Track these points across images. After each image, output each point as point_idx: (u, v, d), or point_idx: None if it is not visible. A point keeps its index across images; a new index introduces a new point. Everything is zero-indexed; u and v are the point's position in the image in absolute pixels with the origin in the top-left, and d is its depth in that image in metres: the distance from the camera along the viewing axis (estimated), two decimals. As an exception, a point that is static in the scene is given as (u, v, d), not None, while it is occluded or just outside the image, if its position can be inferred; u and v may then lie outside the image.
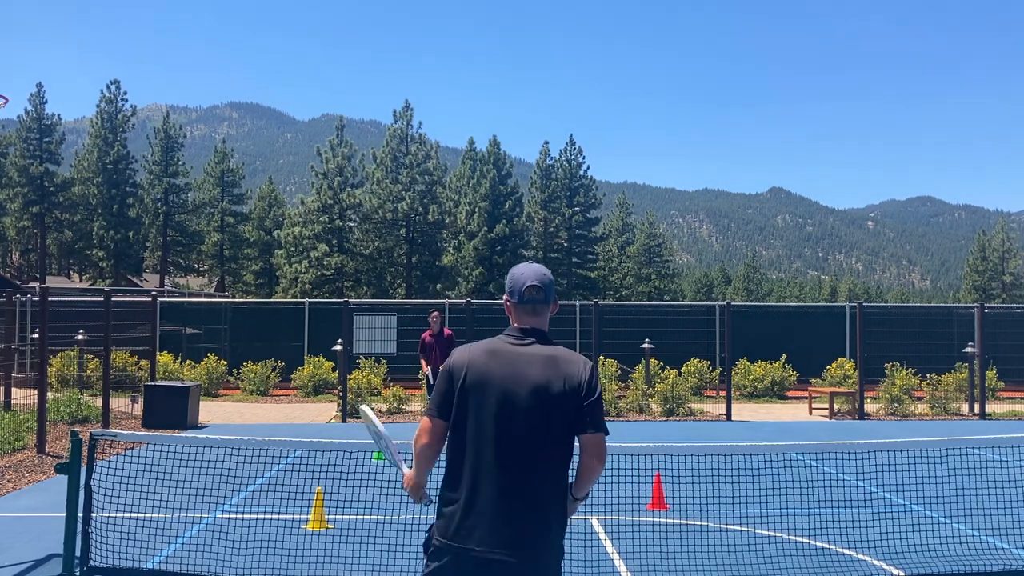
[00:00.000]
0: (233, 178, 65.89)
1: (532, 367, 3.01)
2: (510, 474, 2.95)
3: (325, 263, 50.89)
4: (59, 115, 59.22)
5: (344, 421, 15.89)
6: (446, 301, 23.97)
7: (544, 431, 2.98)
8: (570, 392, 3.00)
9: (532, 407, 2.97)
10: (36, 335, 14.27)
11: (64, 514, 5.74)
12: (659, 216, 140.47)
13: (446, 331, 14.19)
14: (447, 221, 54.58)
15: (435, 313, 14.32)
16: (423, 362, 14.14)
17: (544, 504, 2.98)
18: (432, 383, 14.16)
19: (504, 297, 3.22)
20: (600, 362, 17.48)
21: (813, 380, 20.39)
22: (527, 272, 3.18)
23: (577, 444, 3.09)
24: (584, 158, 65.09)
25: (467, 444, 3.01)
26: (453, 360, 3.09)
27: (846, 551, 6.79)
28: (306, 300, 27.63)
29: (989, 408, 17.80)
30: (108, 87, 59.24)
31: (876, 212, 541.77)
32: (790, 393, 20.67)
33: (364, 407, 3.66)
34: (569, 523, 3.24)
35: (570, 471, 3.14)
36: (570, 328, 21.92)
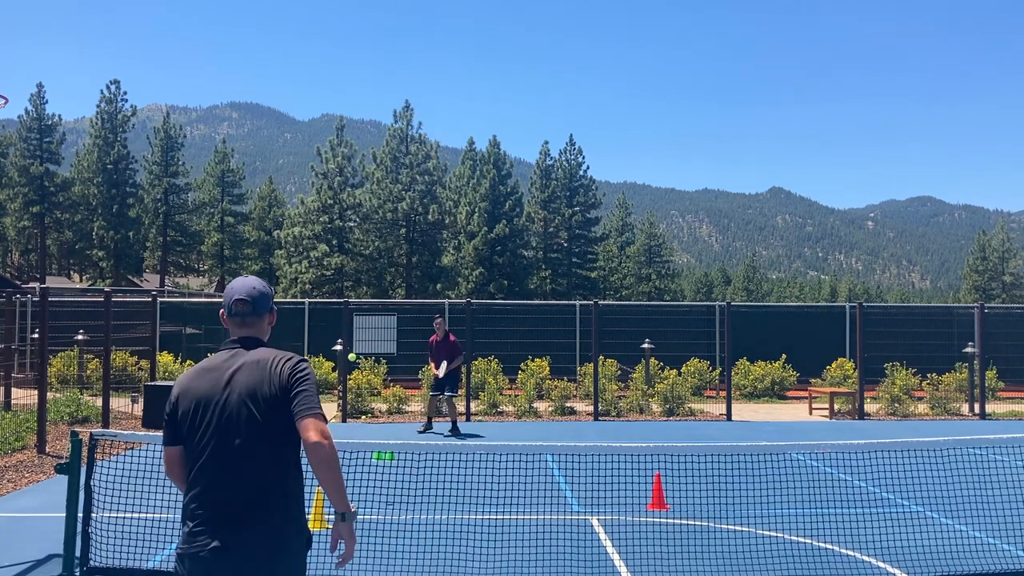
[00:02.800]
0: (233, 178, 65.89)
1: (241, 375, 3.13)
2: (232, 481, 3.03)
3: (325, 263, 50.88)
4: (59, 115, 59.19)
5: (344, 421, 15.89)
6: (446, 301, 23.96)
7: (261, 433, 3.06)
8: (279, 389, 3.08)
9: (245, 414, 3.07)
10: (36, 335, 14.27)
11: (64, 514, 5.74)
12: (659, 216, 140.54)
13: (450, 336, 14.18)
14: (447, 221, 54.57)
15: (438, 319, 14.34)
16: (432, 364, 14.18)
17: (265, 501, 3.02)
18: (434, 381, 14.21)
19: (221, 311, 3.38)
20: (600, 362, 17.47)
21: (813, 380, 20.39)
22: (236, 287, 3.34)
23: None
24: (584, 158, 65.10)
25: (194, 460, 3.11)
26: (173, 389, 3.23)
27: (847, 551, 6.78)
28: (306, 300, 27.63)
29: (989, 408, 17.80)
30: (108, 87, 59.22)
31: (876, 212, 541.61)
32: (790, 393, 20.67)
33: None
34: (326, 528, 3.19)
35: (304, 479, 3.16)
36: (570, 328, 21.93)
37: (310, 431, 2.99)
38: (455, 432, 13.88)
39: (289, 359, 3.16)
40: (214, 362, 3.24)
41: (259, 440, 3.06)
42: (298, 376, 3.11)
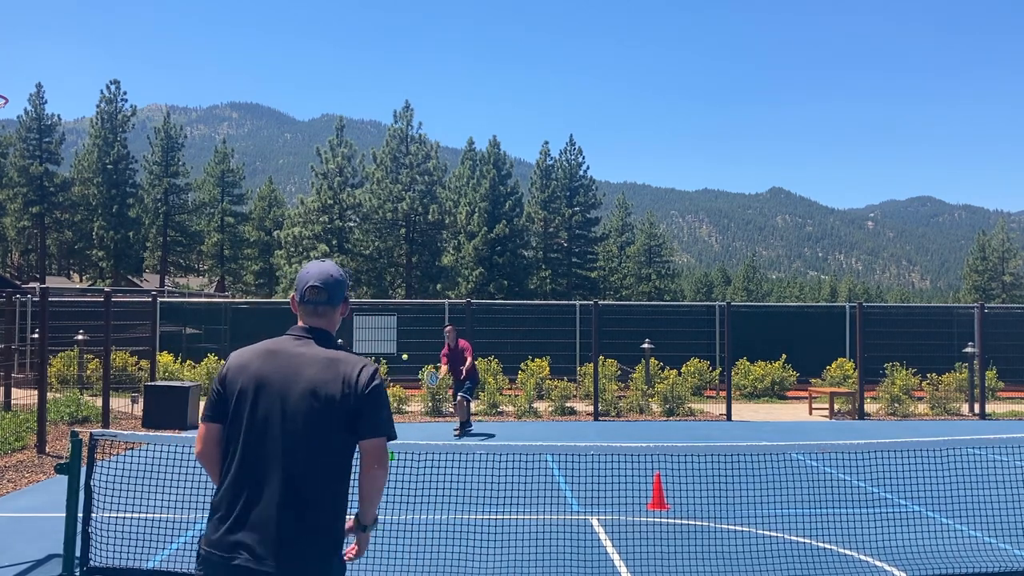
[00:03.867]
0: (233, 178, 65.89)
1: (310, 368, 2.89)
2: (281, 482, 2.79)
3: (325, 263, 50.85)
4: (59, 115, 59.21)
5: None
6: (446, 301, 23.95)
7: (320, 436, 2.84)
8: (348, 394, 2.85)
9: (307, 410, 2.83)
10: (36, 335, 14.27)
11: (64, 514, 5.74)
12: (659, 216, 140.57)
13: (461, 342, 14.18)
14: (447, 221, 54.56)
15: (449, 327, 14.37)
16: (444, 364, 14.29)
17: (316, 515, 2.82)
18: (455, 385, 14.26)
19: (291, 294, 3.13)
20: (600, 362, 17.47)
21: (813, 380, 20.38)
22: (312, 271, 3.08)
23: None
24: (584, 158, 65.10)
25: (239, 449, 2.85)
26: (229, 361, 2.98)
27: (847, 551, 6.78)
28: (306, 300, 27.58)
29: (989, 408, 17.80)
30: (108, 87, 59.22)
31: (876, 212, 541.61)
32: (790, 393, 20.67)
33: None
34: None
35: (351, 489, 2.98)
36: (570, 328, 21.92)
37: (376, 456, 2.88)
38: (462, 431, 13.89)
39: (366, 366, 2.94)
40: (283, 346, 2.97)
41: (319, 444, 2.83)
42: (374, 388, 2.89)
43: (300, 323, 3.06)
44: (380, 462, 2.91)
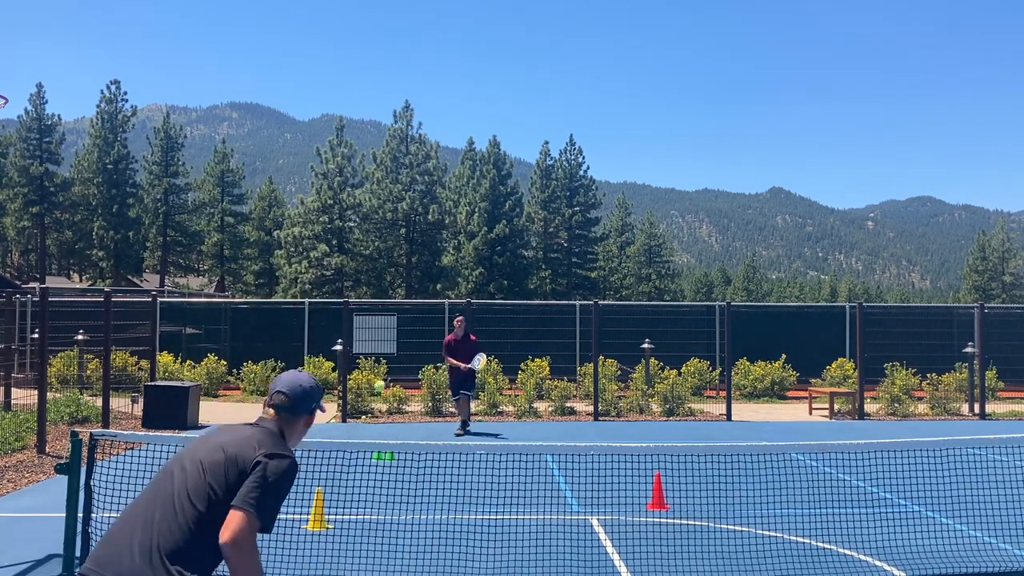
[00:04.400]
0: (233, 178, 65.88)
1: (227, 436, 3.05)
2: (150, 527, 2.85)
3: (325, 263, 50.88)
4: (59, 115, 59.24)
5: (344, 421, 15.89)
6: (446, 301, 23.97)
7: (200, 498, 2.87)
8: (241, 466, 2.92)
9: (202, 469, 2.93)
10: (36, 335, 14.27)
11: (64, 514, 5.74)
12: (659, 216, 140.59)
13: (471, 336, 14.16)
14: (447, 221, 54.57)
15: (460, 318, 14.38)
16: (450, 360, 14.06)
17: (161, 564, 2.78)
18: (454, 383, 14.17)
19: (265, 400, 3.31)
20: (600, 362, 17.46)
21: (813, 380, 20.38)
22: (283, 378, 3.28)
23: None
24: (584, 158, 65.10)
25: (139, 499, 3.00)
26: None
27: (847, 551, 6.78)
28: (306, 300, 27.62)
29: (989, 408, 17.80)
30: (108, 87, 59.26)
31: (876, 212, 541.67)
32: (790, 393, 20.67)
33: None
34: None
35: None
36: (570, 328, 21.92)
37: (228, 527, 2.79)
38: (464, 430, 13.87)
39: (272, 449, 2.99)
40: (227, 426, 3.22)
41: (198, 508, 2.86)
42: (264, 464, 2.92)
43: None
44: (228, 532, 2.78)
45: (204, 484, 2.90)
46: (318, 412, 3.33)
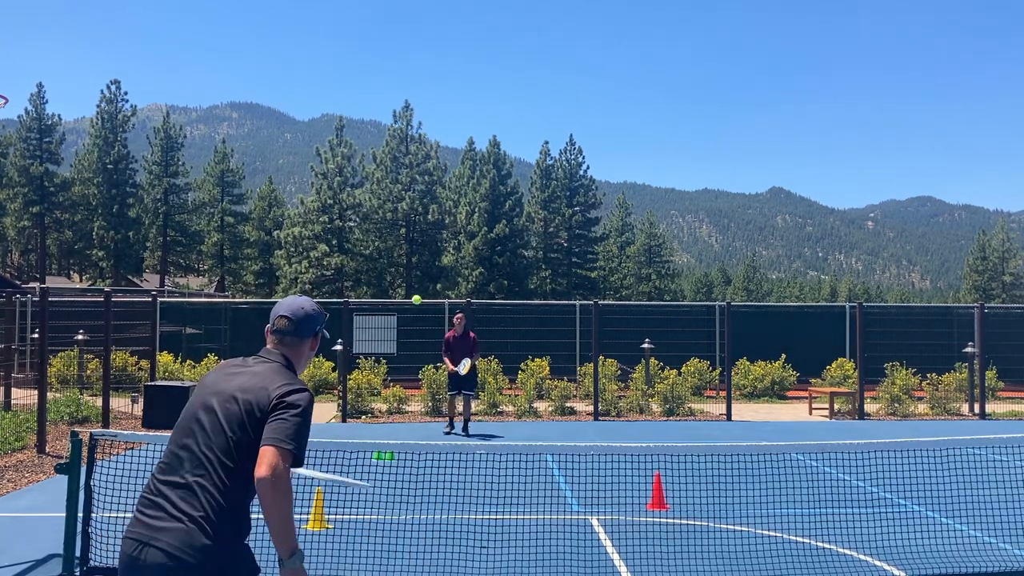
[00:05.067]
0: (233, 178, 65.87)
1: (239, 378, 3.04)
2: (182, 473, 2.89)
3: (325, 263, 50.88)
4: (59, 115, 59.24)
5: (344, 421, 15.89)
6: (446, 301, 23.96)
7: (230, 439, 2.90)
8: (264, 404, 2.93)
9: (223, 413, 2.94)
10: (36, 335, 14.27)
11: (64, 514, 5.74)
12: (659, 216, 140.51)
13: (471, 334, 14.12)
14: (447, 221, 54.57)
15: (460, 315, 14.33)
16: (447, 361, 13.96)
17: (207, 511, 2.83)
18: (451, 380, 14.07)
19: (267, 327, 3.29)
20: (600, 362, 17.46)
21: (813, 380, 20.38)
22: (284, 302, 3.29)
23: None
24: (584, 158, 65.10)
25: (170, 441, 3.03)
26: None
27: (846, 551, 6.78)
28: (306, 300, 27.58)
29: (989, 408, 17.80)
30: (108, 87, 59.27)
31: (876, 212, 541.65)
32: (790, 393, 20.67)
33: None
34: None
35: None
36: (570, 328, 21.92)
37: (262, 463, 2.79)
38: (465, 431, 13.85)
39: (291, 383, 2.99)
40: (235, 360, 3.20)
41: (226, 448, 2.89)
42: (286, 400, 2.93)
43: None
44: (267, 467, 2.78)
45: (226, 439, 2.91)
46: (322, 337, 3.32)
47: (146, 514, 2.90)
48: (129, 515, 2.91)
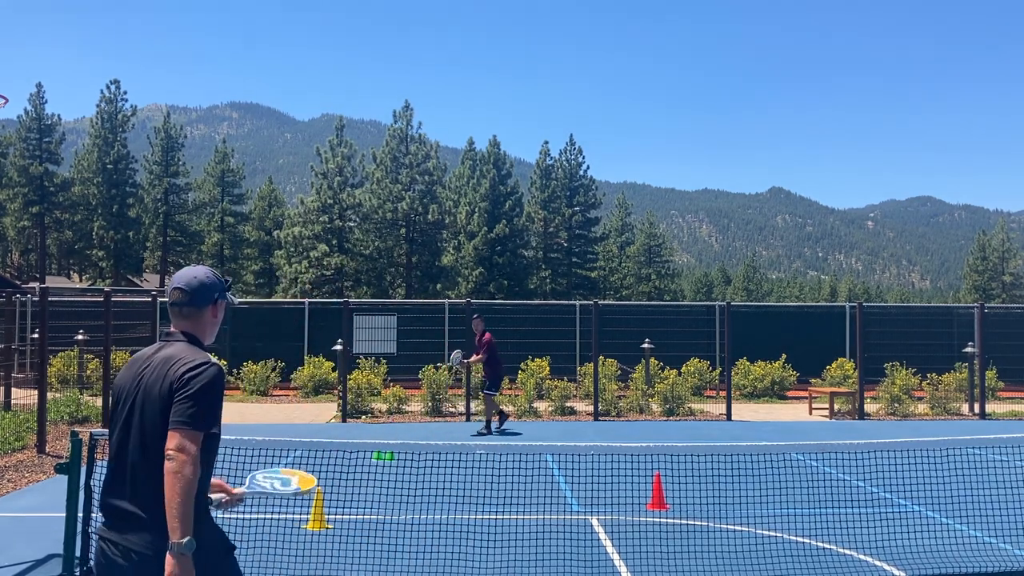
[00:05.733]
0: (233, 178, 65.85)
1: (151, 372, 3.05)
2: (123, 477, 2.98)
3: (325, 263, 50.88)
4: (59, 115, 59.20)
5: (344, 421, 15.89)
6: (446, 301, 23.97)
7: (153, 434, 2.96)
8: (169, 389, 2.95)
9: (142, 409, 2.99)
10: (36, 335, 14.26)
11: (64, 514, 5.74)
12: (659, 216, 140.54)
13: (486, 336, 14.16)
14: (447, 221, 54.56)
15: (476, 317, 14.40)
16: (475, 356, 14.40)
17: (151, 506, 2.89)
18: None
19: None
20: (600, 362, 17.46)
21: (813, 380, 20.38)
22: (178, 274, 3.25)
23: None
24: (584, 158, 65.05)
25: (110, 451, 3.10)
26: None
27: (846, 551, 6.78)
28: (306, 300, 27.63)
29: (989, 408, 17.80)
30: (108, 87, 59.20)
31: (876, 212, 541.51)
32: (790, 393, 20.67)
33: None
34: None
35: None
36: (570, 328, 21.92)
37: (171, 444, 2.84)
38: (488, 430, 13.84)
39: (190, 363, 3.00)
40: (142, 353, 3.18)
41: (152, 442, 2.94)
42: (186, 380, 2.95)
43: (169, 326, 3.23)
44: (174, 449, 2.82)
45: (149, 429, 2.97)
46: (227, 302, 3.31)
47: (107, 525, 3.02)
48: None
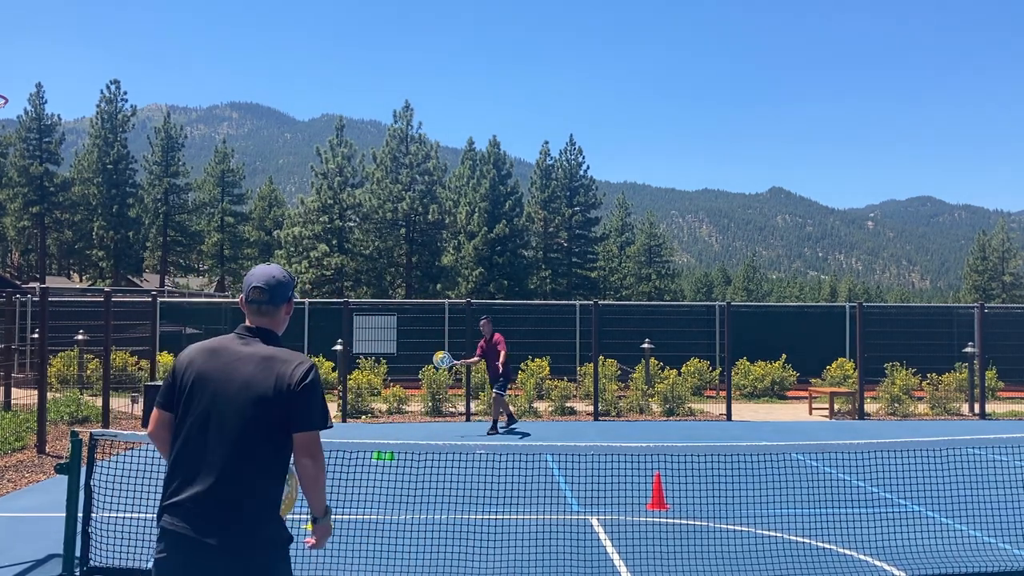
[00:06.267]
0: (233, 178, 65.85)
1: (246, 366, 3.12)
2: (217, 468, 3.03)
3: (325, 263, 50.86)
4: (59, 115, 59.17)
5: (344, 421, 15.89)
6: (446, 301, 23.96)
7: (251, 429, 3.05)
8: (280, 390, 3.06)
9: (242, 405, 3.06)
10: (36, 335, 14.27)
11: (64, 514, 5.74)
12: (659, 216, 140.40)
13: (495, 336, 14.10)
14: (447, 221, 54.55)
15: (484, 320, 14.29)
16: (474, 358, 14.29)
17: (246, 505, 3.02)
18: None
19: (240, 297, 3.35)
20: (600, 362, 17.46)
21: (813, 380, 20.38)
22: (256, 273, 3.33)
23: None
24: (584, 158, 65.02)
25: (185, 437, 3.11)
26: (179, 357, 3.26)
27: (846, 551, 6.78)
28: (306, 300, 27.62)
29: (989, 408, 17.80)
30: (108, 87, 59.19)
31: (876, 212, 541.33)
32: (790, 393, 20.67)
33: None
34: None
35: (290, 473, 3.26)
36: (570, 328, 21.92)
37: (306, 448, 3.09)
38: (494, 430, 13.82)
39: (301, 363, 3.13)
40: (225, 344, 3.21)
41: (251, 440, 3.04)
42: (306, 385, 3.09)
43: (246, 322, 3.30)
44: (309, 453, 3.09)
45: (246, 423, 3.05)
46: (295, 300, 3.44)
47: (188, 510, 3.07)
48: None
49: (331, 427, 3.17)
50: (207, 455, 3.04)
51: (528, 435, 13.92)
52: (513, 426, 14.28)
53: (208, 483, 3.01)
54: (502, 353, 13.79)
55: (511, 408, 14.80)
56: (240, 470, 3.02)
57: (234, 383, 3.08)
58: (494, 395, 13.94)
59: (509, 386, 14.35)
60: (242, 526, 2.99)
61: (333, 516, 3.50)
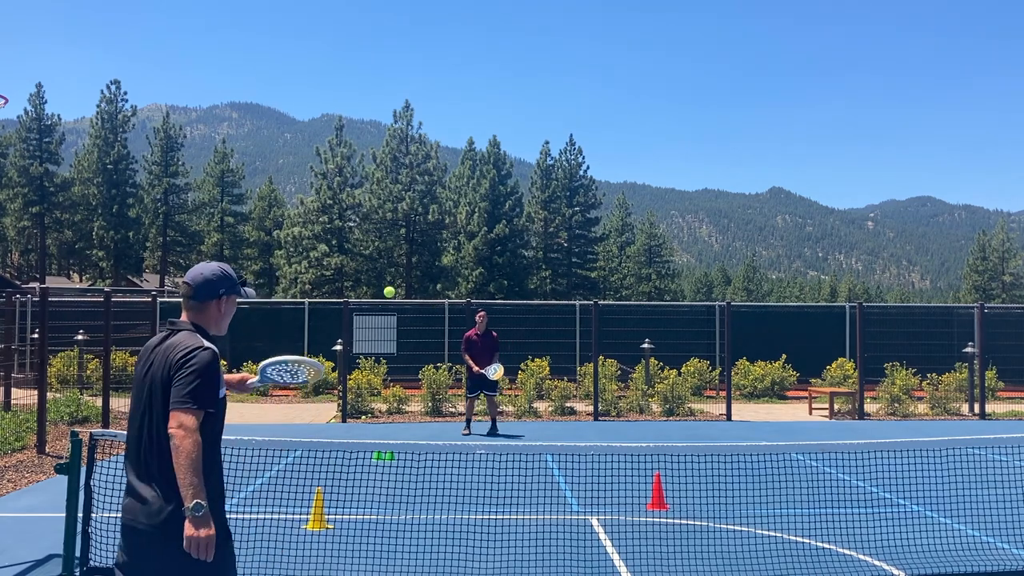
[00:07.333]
0: (233, 178, 65.87)
1: (155, 356, 3.31)
2: (136, 456, 3.26)
3: (325, 263, 50.90)
4: (59, 115, 59.23)
5: (344, 421, 15.89)
6: (446, 301, 23.98)
7: (156, 415, 3.21)
8: (166, 374, 3.21)
9: (148, 394, 3.26)
10: (36, 335, 14.27)
11: (64, 514, 5.74)
12: (659, 216, 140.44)
13: (493, 333, 14.01)
14: (447, 221, 54.58)
15: (482, 313, 14.18)
16: (468, 358, 13.70)
17: (155, 482, 3.17)
18: (472, 381, 13.89)
19: None
20: (600, 362, 17.46)
21: (813, 380, 20.38)
22: (190, 270, 3.49)
23: None
24: (584, 158, 65.08)
25: (128, 432, 3.39)
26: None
27: (846, 551, 6.78)
28: (306, 300, 27.64)
29: (989, 408, 17.80)
30: (108, 87, 59.27)
31: (876, 212, 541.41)
32: (790, 393, 20.67)
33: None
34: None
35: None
36: (570, 328, 21.92)
37: (173, 422, 3.11)
38: (494, 431, 13.78)
39: (185, 348, 3.22)
40: (150, 343, 3.42)
41: (159, 425, 3.18)
42: (181, 364, 3.18)
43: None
44: (175, 428, 3.09)
45: (156, 413, 3.22)
46: (239, 296, 3.49)
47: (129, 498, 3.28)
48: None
49: (209, 410, 3.18)
50: (132, 445, 3.29)
51: (523, 436, 13.91)
52: (486, 433, 13.95)
53: (133, 473, 3.24)
54: (497, 353, 13.76)
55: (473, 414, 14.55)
56: (149, 455, 3.19)
57: (147, 375, 3.29)
58: (488, 396, 13.87)
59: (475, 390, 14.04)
60: (150, 508, 3.13)
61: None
